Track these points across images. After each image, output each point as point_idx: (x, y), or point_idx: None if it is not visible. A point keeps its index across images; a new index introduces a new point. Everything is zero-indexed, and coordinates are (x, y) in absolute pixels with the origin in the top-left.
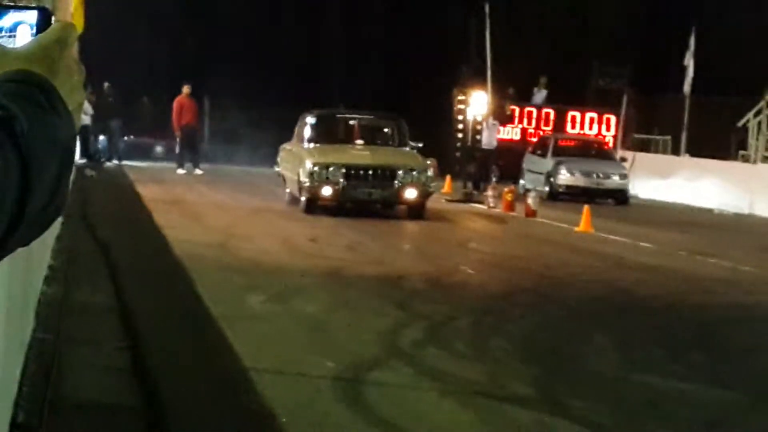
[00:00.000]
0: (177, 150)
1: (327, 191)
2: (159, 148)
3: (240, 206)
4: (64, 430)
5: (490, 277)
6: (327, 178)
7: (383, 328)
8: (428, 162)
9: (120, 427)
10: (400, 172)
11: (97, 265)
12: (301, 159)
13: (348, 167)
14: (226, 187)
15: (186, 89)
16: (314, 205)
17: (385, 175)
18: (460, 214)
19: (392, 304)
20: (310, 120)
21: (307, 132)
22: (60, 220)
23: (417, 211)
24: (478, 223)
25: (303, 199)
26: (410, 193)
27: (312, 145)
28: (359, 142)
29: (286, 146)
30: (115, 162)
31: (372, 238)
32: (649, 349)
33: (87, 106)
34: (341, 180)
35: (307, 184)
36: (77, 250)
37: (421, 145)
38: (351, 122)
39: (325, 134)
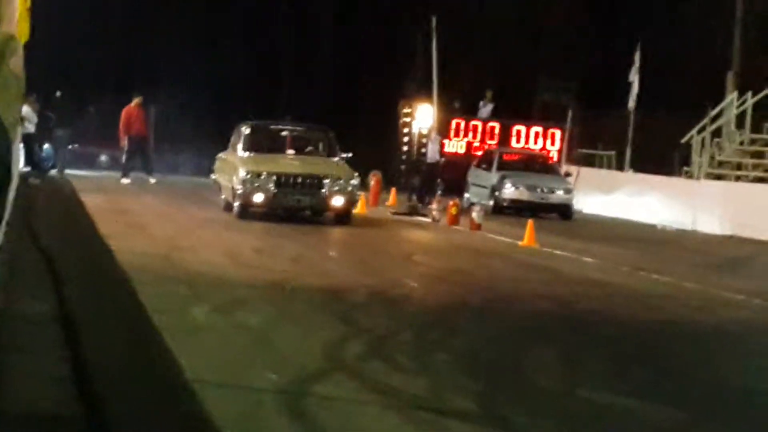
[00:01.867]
0: (123, 160)
1: (259, 198)
2: (104, 158)
3: (184, 216)
4: None
5: (434, 290)
6: (258, 185)
7: (327, 340)
8: (355, 172)
9: None
10: (327, 181)
11: (40, 274)
12: (235, 167)
13: (278, 175)
14: (170, 197)
15: (137, 100)
16: (247, 211)
17: (313, 183)
18: (404, 227)
19: (336, 317)
20: (245, 130)
21: (242, 142)
22: (3, 229)
23: (344, 218)
24: (422, 237)
25: (236, 205)
26: (337, 201)
27: (246, 154)
28: (290, 152)
29: (222, 155)
30: (57, 172)
31: (316, 250)
32: (592, 365)
33: (31, 115)
34: (272, 187)
35: (240, 191)
36: (20, 259)
37: (350, 155)
38: (283, 133)
39: (258, 144)
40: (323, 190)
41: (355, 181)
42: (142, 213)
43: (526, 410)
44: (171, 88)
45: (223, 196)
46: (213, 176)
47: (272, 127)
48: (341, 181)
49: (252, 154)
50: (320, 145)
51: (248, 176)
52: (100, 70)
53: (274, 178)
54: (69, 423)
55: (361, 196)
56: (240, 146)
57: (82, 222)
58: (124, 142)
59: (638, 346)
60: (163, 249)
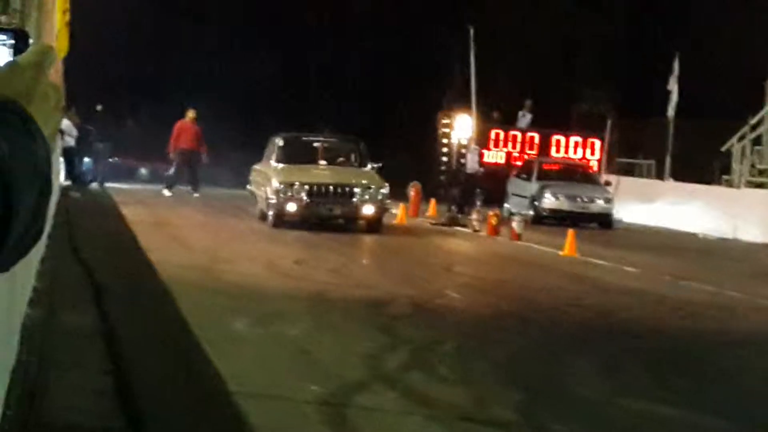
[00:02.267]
0: (170, 172)
1: (292, 207)
2: (143, 171)
3: (222, 227)
4: None
5: (475, 301)
6: (291, 195)
7: (368, 352)
8: (385, 182)
9: None
10: (358, 190)
11: (82, 287)
12: (268, 178)
13: (311, 185)
14: (208, 209)
15: (190, 113)
16: (280, 221)
17: (345, 192)
18: (444, 238)
19: (377, 328)
20: (278, 142)
21: (275, 153)
22: (44, 242)
23: (374, 226)
24: (462, 247)
25: (270, 214)
26: (368, 209)
27: (279, 165)
28: (322, 162)
29: (257, 166)
30: (98, 185)
31: (355, 261)
32: (633, 374)
33: (71, 129)
34: (304, 197)
35: (274, 201)
36: (62, 272)
37: (380, 165)
38: (315, 144)
39: (291, 155)
40: (354, 199)
41: (385, 190)
42: (182, 225)
43: (566, 420)
44: (208, 99)
45: (258, 206)
46: (249, 187)
47: (305, 138)
48: (371, 191)
49: (285, 165)
50: (352, 156)
51: (281, 186)
52: (137, 83)
53: (307, 188)
54: None
55: (402, 206)
56: (273, 157)
57: (122, 235)
58: (173, 155)
59: (679, 354)
60: (202, 261)
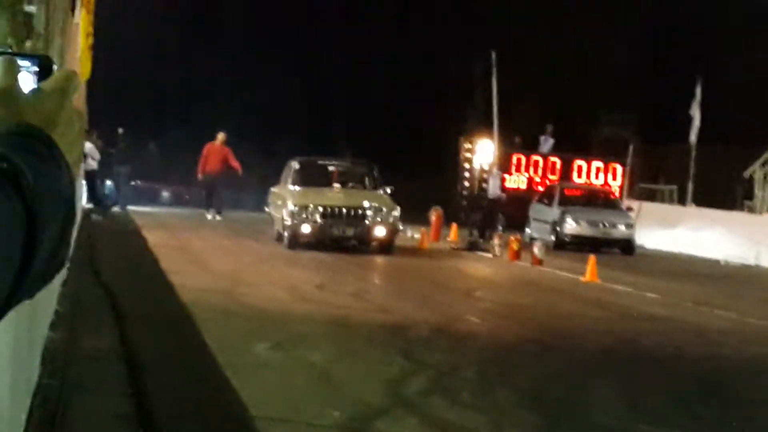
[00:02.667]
0: (204, 195)
1: (306, 229)
2: (165, 194)
3: (242, 250)
4: None
5: (496, 326)
6: (306, 217)
7: (389, 377)
8: (396, 204)
9: None
10: (370, 212)
11: (103, 310)
12: (284, 200)
13: (324, 208)
14: (231, 233)
15: (220, 136)
16: (296, 242)
17: (357, 214)
18: (465, 263)
19: (398, 353)
20: (294, 166)
21: (291, 176)
22: (66, 265)
23: (386, 248)
24: (483, 272)
25: (286, 235)
26: (380, 231)
27: (294, 187)
28: (336, 185)
29: (274, 189)
30: (119, 208)
31: (376, 285)
32: (655, 401)
33: (94, 152)
34: (318, 219)
35: (289, 222)
36: (83, 295)
37: (391, 188)
38: (330, 168)
39: (306, 178)
40: (366, 221)
41: (396, 213)
42: (203, 248)
43: None
44: (230, 122)
45: (275, 228)
46: (267, 209)
47: (319, 162)
48: (383, 213)
49: (300, 188)
50: (365, 179)
51: (296, 209)
52: (159, 107)
53: (320, 210)
54: None
55: (423, 231)
56: (289, 180)
57: (144, 258)
58: (200, 177)
59: (701, 381)
60: (224, 284)
